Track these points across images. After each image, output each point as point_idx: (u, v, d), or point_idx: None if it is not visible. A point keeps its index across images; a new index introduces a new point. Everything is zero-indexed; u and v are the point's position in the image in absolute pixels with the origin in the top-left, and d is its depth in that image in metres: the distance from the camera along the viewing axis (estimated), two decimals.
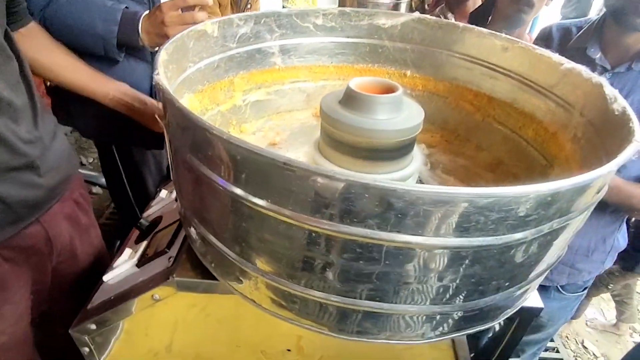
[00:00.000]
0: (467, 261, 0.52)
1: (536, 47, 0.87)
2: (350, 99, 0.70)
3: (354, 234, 0.49)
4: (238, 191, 0.53)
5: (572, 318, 2.53)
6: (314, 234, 0.51)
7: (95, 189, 2.94)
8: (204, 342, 0.89)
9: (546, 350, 2.29)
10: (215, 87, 0.92)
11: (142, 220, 1.00)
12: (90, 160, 3.35)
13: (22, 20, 1.03)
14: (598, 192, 0.56)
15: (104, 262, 1.18)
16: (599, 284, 2.37)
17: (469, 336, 0.78)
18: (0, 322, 0.92)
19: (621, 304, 2.56)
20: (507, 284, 0.58)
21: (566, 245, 0.64)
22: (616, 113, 0.66)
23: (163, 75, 0.63)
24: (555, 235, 0.55)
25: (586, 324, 2.68)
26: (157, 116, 0.68)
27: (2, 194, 0.84)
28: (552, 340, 2.32)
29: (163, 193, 1.16)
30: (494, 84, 0.95)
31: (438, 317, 0.60)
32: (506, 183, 0.87)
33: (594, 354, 2.50)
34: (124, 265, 0.90)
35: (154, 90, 1.33)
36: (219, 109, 0.94)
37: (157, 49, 0.71)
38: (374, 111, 0.69)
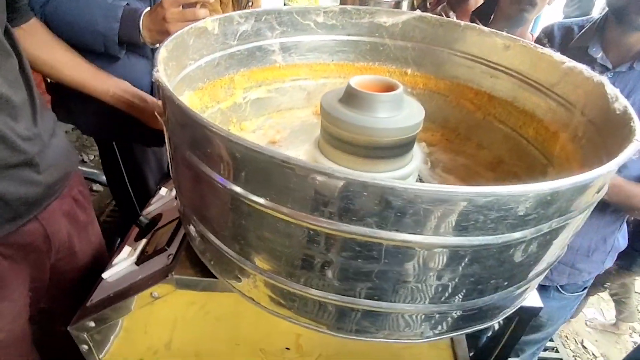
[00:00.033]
0: (466, 260, 0.51)
1: (537, 45, 0.87)
2: (350, 97, 0.70)
3: (352, 233, 0.49)
4: (237, 189, 0.53)
5: (570, 317, 2.52)
6: (312, 232, 0.51)
7: (96, 187, 2.94)
8: (203, 340, 0.89)
9: (545, 349, 2.29)
10: (216, 85, 0.92)
11: (141, 218, 1.00)
12: (92, 157, 3.35)
13: (23, 16, 1.03)
14: (598, 192, 0.56)
15: (103, 259, 1.18)
16: (595, 283, 2.37)
17: (468, 335, 0.78)
18: None
19: (619, 303, 2.56)
20: (506, 283, 0.58)
21: (566, 244, 0.64)
22: (617, 112, 0.66)
23: (163, 73, 0.62)
24: (554, 234, 0.55)
25: (586, 324, 2.68)
26: (156, 113, 0.68)
27: (0, 191, 0.83)
28: (551, 340, 2.32)
29: (163, 191, 1.16)
30: (494, 82, 0.95)
31: (437, 316, 0.60)
32: (506, 182, 0.87)
33: (593, 354, 2.50)
34: (123, 263, 0.90)
35: (154, 87, 1.33)
36: (219, 107, 0.94)
37: (157, 45, 0.71)
38: (375, 109, 0.68)
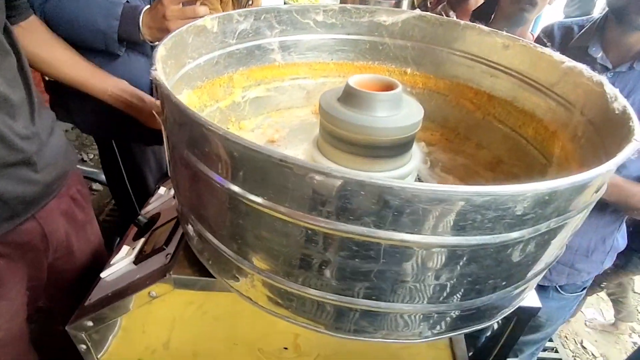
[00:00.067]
0: (463, 260, 0.51)
1: (537, 45, 0.86)
2: (349, 96, 0.70)
3: (350, 232, 0.49)
4: (235, 188, 0.53)
5: (569, 317, 2.52)
6: (310, 232, 0.51)
7: (96, 186, 2.94)
8: (201, 340, 0.89)
9: (545, 350, 2.29)
10: (215, 84, 0.92)
11: (140, 217, 1.00)
12: (91, 156, 3.35)
13: (22, 13, 1.02)
14: (597, 192, 0.56)
15: (101, 258, 1.18)
16: (592, 283, 2.36)
17: (466, 335, 0.78)
18: None
19: (617, 302, 2.55)
20: (504, 283, 0.58)
21: (564, 244, 0.64)
22: (616, 112, 0.66)
23: (161, 71, 0.62)
24: (553, 234, 0.54)
25: (585, 324, 2.68)
26: (154, 112, 0.68)
27: None
28: (551, 340, 2.32)
29: (162, 190, 1.16)
30: (494, 82, 0.95)
31: (435, 316, 0.60)
32: (505, 182, 0.87)
33: (592, 354, 2.50)
34: (122, 262, 0.89)
35: (154, 85, 1.33)
36: (218, 106, 0.94)
37: (157, 43, 0.71)
38: (373, 108, 0.68)
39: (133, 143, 1.50)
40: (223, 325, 0.86)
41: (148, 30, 1.16)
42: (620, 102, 0.66)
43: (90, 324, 0.83)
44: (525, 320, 0.78)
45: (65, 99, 1.32)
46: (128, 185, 1.61)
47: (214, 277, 0.73)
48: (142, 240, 0.94)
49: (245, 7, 1.59)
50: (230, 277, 0.67)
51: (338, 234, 0.50)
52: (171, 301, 0.81)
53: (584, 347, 2.53)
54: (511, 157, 0.92)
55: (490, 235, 0.49)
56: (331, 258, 0.53)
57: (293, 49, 1.02)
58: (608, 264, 1.44)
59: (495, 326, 0.83)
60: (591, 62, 1.22)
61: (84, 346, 0.86)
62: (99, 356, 0.89)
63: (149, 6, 1.16)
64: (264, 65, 1.00)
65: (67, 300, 1.06)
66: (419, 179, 0.86)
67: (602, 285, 2.40)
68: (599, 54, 1.23)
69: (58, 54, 1.12)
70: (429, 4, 2.38)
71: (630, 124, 0.60)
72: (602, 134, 0.69)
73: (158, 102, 0.63)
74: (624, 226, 1.42)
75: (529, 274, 0.61)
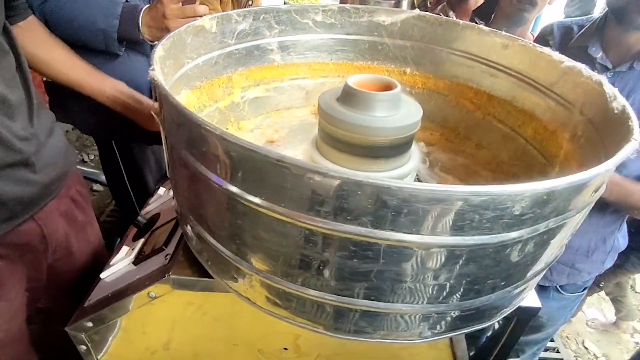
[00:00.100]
0: (462, 260, 0.51)
1: (536, 45, 0.86)
2: (348, 96, 0.70)
3: (348, 232, 0.49)
4: (232, 188, 0.53)
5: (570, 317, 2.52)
6: (308, 232, 0.51)
7: (97, 187, 2.94)
8: (201, 341, 0.89)
9: (546, 350, 2.28)
10: (214, 84, 0.92)
11: (139, 218, 1.00)
12: (92, 157, 3.35)
13: (21, 14, 1.02)
14: (596, 191, 0.56)
15: (102, 259, 1.18)
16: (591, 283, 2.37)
17: (467, 335, 0.78)
18: None
19: (616, 302, 2.55)
20: (503, 283, 0.58)
21: (564, 244, 0.64)
22: (615, 112, 0.66)
23: (159, 71, 0.62)
24: (552, 234, 0.54)
25: (587, 324, 2.68)
26: (153, 113, 0.68)
27: None
28: (552, 340, 2.32)
29: (161, 190, 1.16)
30: (494, 81, 0.95)
31: (434, 316, 0.60)
32: (505, 182, 0.86)
33: (594, 355, 2.49)
34: (121, 263, 0.89)
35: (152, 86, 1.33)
36: (217, 106, 0.94)
37: (157, 43, 0.71)
38: (372, 108, 0.68)
39: (133, 143, 1.50)
40: (223, 326, 0.86)
41: (148, 29, 1.16)
42: (619, 101, 0.66)
43: (90, 324, 0.83)
44: (525, 320, 0.78)
45: (65, 99, 1.32)
46: (128, 186, 1.61)
47: (213, 277, 0.72)
48: (142, 240, 0.94)
49: (245, 7, 1.59)
50: (229, 277, 0.67)
51: (336, 234, 0.50)
52: (171, 302, 0.81)
53: (585, 347, 2.53)
54: (511, 157, 0.92)
55: (488, 235, 0.48)
56: (329, 258, 0.53)
57: (292, 49, 1.02)
58: (609, 264, 1.44)
59: (496, 326, 0.83)
60: (591, 62, 1.22)
61: (84, 347, 0.86)
62: (99, 357, 0.89)
63: (148, 5, 1.16)
64: (263, 66, 1.00)
65: (67, 301, 1.06)
66: (418, 179, 0.86)
67: (600, 285, 2.40)
68: (598, 54, 1.23)
69: (56, 55, 1.12)
70: (428, 4, 2.38)
71: (630, 123, 0.60)
72: (601, 133, 0.69)
73: (155, 104, 0.63)
74: (624, 226, 1.41)
75: (529, 274, 0.61)
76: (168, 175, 0.73)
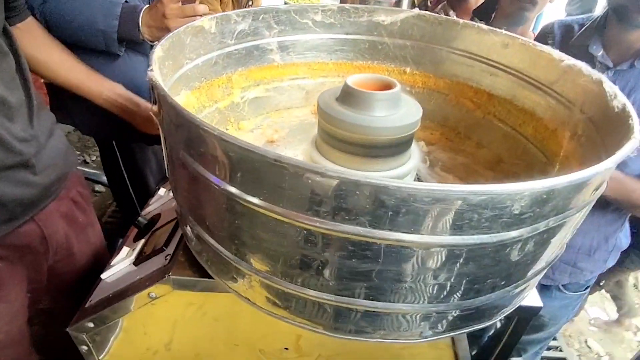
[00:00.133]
0: (461, 259, 0.51)
1: (536, 43, 0.86)
2: (347, 95, 0.70)
3: (346, 232, 0.49)
4: (231, 189, 0.53)
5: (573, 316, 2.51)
6: (306, 232, 0.51)
7: (98, 187, 2.94)
8: (202, 341, 0.89)
9: (549, 349, 2.28)
10: (213, 84, 0.92)
11: (140, 219, 1.00)
12: (94, 158, 3.35)
13: (19, 14, 1.02)
14: (596, 190, 0.56)
15: (103, 260, 1.18)
16: None
17: (469, 335, 0.77)
18: None
19: (616, 299, 2.55)
20: (503, 282, 0.58)
21: (564, 243, 0.63)
22: (616, 110, 0.65)
23: (157, 72, 0.62)
24: (552, 233, 0.54)
25: (589, 323, 2.67)
26: (152, 114, 0.68)
27: None
28: (555, 339, 2.31)
29: (162, 191, 1.16)
30: (494, 80, 0.95)
31: (434, 316, 0.60)
32: (505, 181, 0.86)
33: (597, 354, 2.48)
34: (122, 263, 0.90)
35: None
36: (217, 106, 0.94)
37: (157, 43, 0.71)
38: (371, 108, 0.68)
39: (134, 144, 1.50)
40: (223, 326, 0.86)
41: (148, 29, 1.16)
42: (619, 99, 0.66)
43: (91, 325, 0.83)
44: (526, 319, 0.78)
45: (66, 101, 1.32)
46: (129, 186, 1.61)
47: (213, 278, 0.72)
48: (142, 241, 0.94)
49: (245, 8, 1.59)
50: (229, 278, 0.67)
51: (335, 234, 0.50)
52: (171, 302, 0.81)
53: (588, 346, 2.52)
54: (511, 156, 0.92)
55: (487, 235, 0.48)
56: (329, 258, 0.53)
57: (292, 49, 1.02)
58: (611, 262, 1.44)
59: (498, 325, 0.82)
60: (591, 61, 1.22)
61: (85, 347, 0.87)
62: (100, 357, 0.89)
63: (148, 5, 1.16)
64: (263, 66, 1.00)
65: (68, 301, 1.06)
66: (418, 179, 0.86)
67: (601, 284, 2.40)
68: (599, 53, 1.23)
69: (54, 56, 1.12)
70: (429, 3, 2.37)
71: (630, 122, 0.60)
72: (602, 132, 0.69)
73: (152, 107, 0.63)
74: (627, 225, 1.41)
75: (529, 273, 0.60)
76: (167, 175, 0.73)
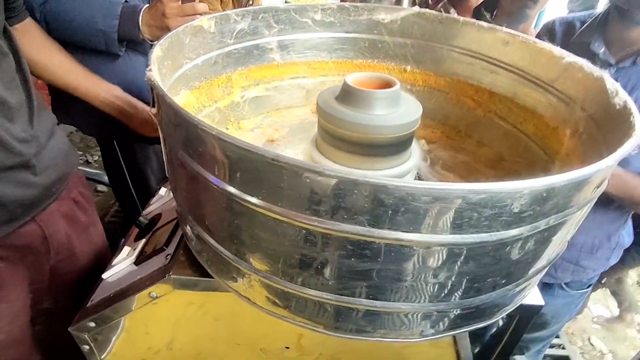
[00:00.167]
0: (461, 258, 0.51)
1: (537, 40, 0.86)
2: (347, 94, 0.69)
3: (346, 231, 0.48)
4: (230, 189, 0.53)
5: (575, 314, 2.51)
6: (306, 232, 0.51)
7: (101, 187, 2.95)
8: (203, 340, 0.89)
9: (552, 347, 2.27)
10: (213, 84, 0.91)
11: (141, 218, 1.00)
12: (95, 158, 3.36)
13: (18, 15, 1.02)
14: (598, 187, 0.55)
15: (105, 260, 1.18)
16: None
17: (471, 333, 0.77)
18: None
19: (616, 295, 2.56)
20: (503, 281, 0.57)
21: (565, 241, 0.63)
22: (617, 107, 0.65)
23: (156, 72, 0.62)
24: (553, 231, 0.54)
25: (592, 321, 2.67)
26: (151, 114, 0.68)
27: None
28: (557, 337, 2.31)
29: (162, 191, 1.16)
30: (494, 78, 0.94)
31: (434, 314, 0.60)
32: (506, 179, 0.86)
33: (601, 351, 2.48)
34: (123, 263, 0.90)
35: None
36: (217, 106, 0.94)
37: (157, 42, 0.72)
38: (371, 106, 0.68)
39: (135, 144, 1.50)
40: (224, 326, 0.86)
41: (148, 28, 1.16)
42: (621, 97, 0.65)
43: (92, 325, 0.84)
44: (528, 317, 0.78)
45: (66, 101, 1.32)
46: (131, 186, 1.61)
47: (213, 277, 0.72)
48: (143, 241, 0.94)
49: (245, 7, 1.59)
50: (229, 277, 0.67)
51: (334, 233, 0.49)
52: (172, 302, 0.81)
53: (591, 344, 2.52)
54: (512, 154, 0.92)
55: (487, 233, 0.48)
56: (328, 258, 0.53)
57: (292, 48, 1.02)
58: (613, 260, 1.43)
59: (500, 323, 0.82)
60: (593, 58, 1.21)
61: (86, 347, 0.87)
62: (102, 357, 0.89)
63: (148, 5, 1.16)
64: (263, 65, 1.00)
65: (70, 301, 1.06)
66: (418, 177, 0.85)
67: (602, 282, 2.40)
68: (601, 50, 1.22)
69: (52, 58, 1.12)
70: (429, 2, 2.37)
71: (631, 119, 0.59)
72: (603, 129, 0.69)
73: (150, 109, 0.63)
74: (629, 222, 1.41)
75: (530, 272, 0.60)
76: (167, 175, 0.73)
